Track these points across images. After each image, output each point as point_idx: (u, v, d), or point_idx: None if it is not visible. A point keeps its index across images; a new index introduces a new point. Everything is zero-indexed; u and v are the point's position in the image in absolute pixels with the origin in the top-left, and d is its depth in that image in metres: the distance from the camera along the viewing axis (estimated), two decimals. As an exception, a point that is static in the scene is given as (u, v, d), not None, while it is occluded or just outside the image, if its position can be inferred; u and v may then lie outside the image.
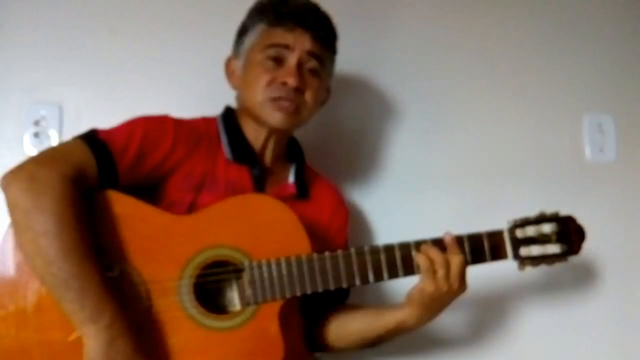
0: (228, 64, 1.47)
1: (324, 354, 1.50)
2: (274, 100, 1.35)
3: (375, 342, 1.42)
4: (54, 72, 1.67)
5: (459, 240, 1.31)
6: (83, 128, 1.26)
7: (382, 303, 1.59)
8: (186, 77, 1.72)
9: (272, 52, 1.37)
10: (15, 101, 1.65)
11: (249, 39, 1.41)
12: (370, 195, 1.79)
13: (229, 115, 1.45)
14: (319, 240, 1.40)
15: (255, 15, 1.42)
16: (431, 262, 1.26)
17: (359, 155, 1.81)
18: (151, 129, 1.28)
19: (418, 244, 1.29)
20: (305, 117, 1.43)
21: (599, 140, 1.95)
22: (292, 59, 1.37)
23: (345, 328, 1.43)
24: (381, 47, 1.85)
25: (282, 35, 1.37)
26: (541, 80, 1.94)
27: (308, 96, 1.39)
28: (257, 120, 1.39)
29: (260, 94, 1.36)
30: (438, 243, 1.29)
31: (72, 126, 1.61)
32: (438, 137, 1.85)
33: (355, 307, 1.46)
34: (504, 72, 1.92)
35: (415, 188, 1.82)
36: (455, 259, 1.27)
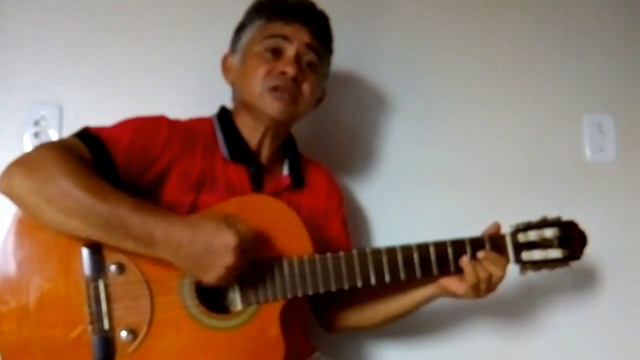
0: (225, 60, 1.48)
1: (324, 353, 1.50)
2: (272, 89, 1.35)
3: (401, 316, 1.46)
4: (54, 72, 1.67)
5: (461, 243, 1.32)
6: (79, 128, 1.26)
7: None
8: (185, 77, 1.72)
9: (270, 43, 1.37)
10: (15, 101, 1.65)
11: (247, 35, 1.42)
12: (369, 194, 1.80)
13: (225, 115, 1.45)
14: (319, 225, 1.43)
15: (254, 12, 1.44)
16: (478, 279, 1.29)
17: (357, 153, 1.82)
18: (143, 127, 1.28)
19: (420, 247, 1.30)
20: (302, 111, 1.43)
21: (599, 140, 1.95)
22: (290, 50, 1.37)
23: (370, 312, 1.47)
24: (379, 44, 1.85)
25: (281, 28, 1.38)
26: (541, 80, 1.94)
27: (305, 88, 1.40)
28: (255, 112, 1.39)
29: (258, 84, 1.36)
30: (477, 243, 1.32)
31: (72, 126, 1.56)
32: (437, 136, 1.86)
33: (375, 289, 1.42)
34: (504, 72, 1.92)
35: (414, 187, 1.82)
36: (498, 273, 1.30)
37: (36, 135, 1.64)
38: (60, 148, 1.14)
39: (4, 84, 1.65)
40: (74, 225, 1.11)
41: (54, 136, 1.65)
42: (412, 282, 1.39)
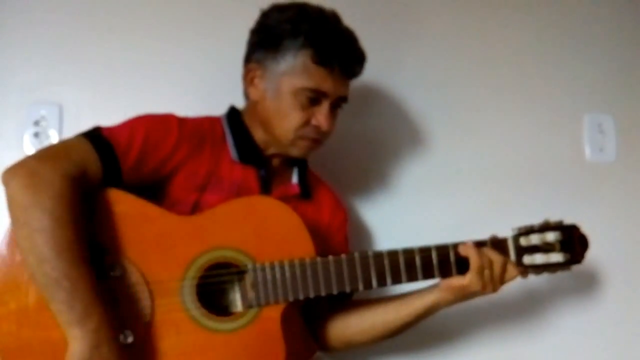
0: (250, 72, 1.41)
1: (326, 354, 1.50)
2: (304, 138, 1.37)
3: (400, 329, 1.43)
4: (54, 72, 1.67)
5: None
6: (83, 128, 1.26)
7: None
8: (186, 77, 1.72)
9: (311, 94, 1.35)
10: (15, 101, 1.65)
11: (286, 62, 1.35)
12: (373, 201, 1.79)
13: (235, 116, 1.45)
14: (321, 239, 1.41)
15: (296, 35, 1.34)
16: (482, 264, 1.30)
17: (363, 161, 1.81)
18: (154, 127, 1.28)
19: (422, 250, 1.30)
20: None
21: (599, 140, 1.95)
22: (326, 103, 1.37)
23: (368, 320, 1.43)
24: (386, 58, 1.83)
25: (324, 80, 1.34)
26: (541, 81, 1.94)
27: (330, 132, 1.41)
28: (278, 145, 1.40)
29: (293, 131, 1.36)
30: (479, 247, 1.33)
31: (72, 126, 1.60)
32: (437, 139, 1.85)
33: (373, 299, 1.46)
34: (504, 73, 1.92)
35: (414, 191, 1.82)
36: (499, 259, 1.31)
37: (36, 135, 1.64)
38: (71, 176, 1.13)
39: (4, 84, 1.65)
40: (30, 260, 1.10)
41: (54, 136, 1.65)
42: (413, 293, 1.40)
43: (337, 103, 1.41)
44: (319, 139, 1.39)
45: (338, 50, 1.35)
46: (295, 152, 1.40)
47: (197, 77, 1.71)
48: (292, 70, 1.35)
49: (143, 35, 1.72)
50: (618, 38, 2.01)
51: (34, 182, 1.10)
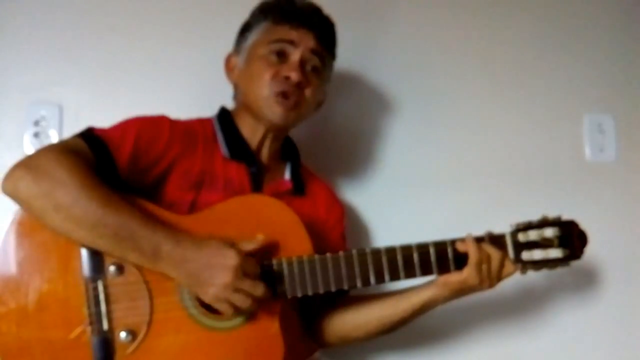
0: (228, 59, 1.49)
1: (324, 353, 1.50)
2: (276, 95, 1.36)
3: (396, 325, 1.42)
4: (54, 72, 1.67)
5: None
6: (83, 128, 1.26)
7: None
8: (185, 77, 1.73)
9: (276, 46, 1.39)
10: (15, 101, 1.65)
11: (252, 36, 1.43)
12: (367, 195, 1.79)
13: (225, 115, 1.46)
14: (317, 235, 1.41)
15: (260, 13, 1.44)
16: (481, 259, 1.30)
17: (355, 154, 1.81)
18: (146, 127, 1.29)
19: (420, 247, 1.30)
20: (303, 115, 1.44)
21: (599, 140, 1.95)
22: (295, 55, 1.39)
23: (364, 316, 1.43)
24: (378, 46, 1.85)
25: (287, 32, 1.39)
26: (541, 80, 1.94)
27: (308, 93, 1.41)
28: (256, 115, 1.40)
29: (264, 87, 1.37)
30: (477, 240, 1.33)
31: (72, 126, 1.59)
32: (436, 137, 1.86)
33: (370, 295, 1.46)
34: (504, 72, 1.92)
35: (412, 188, 1.82)
36: (496, 255, 1.31)
37: (36, 135, 1.65)
38: (67, 152, 1.14)
39: (4, 84, 1.66)
40: (82, 234, 1.12)
41: (54, 136, 1.65)
42: (410, 289, 1.40)
43: (311, 61, 1.41)
44: (290, 93, 1.37)
45: (296, 9, 1.41)
46: (269, 113, 1.37)
47: (196, 77, 1.72)
48: (258, 38, 1.42)
49: (143, 35, 1.72)
50: (618, 38, 2.01)
51: (38, 172, 1.10)
